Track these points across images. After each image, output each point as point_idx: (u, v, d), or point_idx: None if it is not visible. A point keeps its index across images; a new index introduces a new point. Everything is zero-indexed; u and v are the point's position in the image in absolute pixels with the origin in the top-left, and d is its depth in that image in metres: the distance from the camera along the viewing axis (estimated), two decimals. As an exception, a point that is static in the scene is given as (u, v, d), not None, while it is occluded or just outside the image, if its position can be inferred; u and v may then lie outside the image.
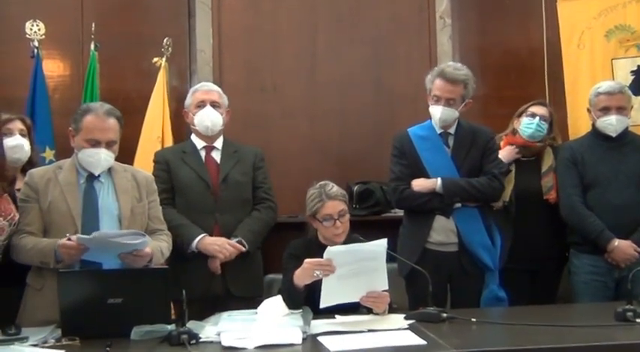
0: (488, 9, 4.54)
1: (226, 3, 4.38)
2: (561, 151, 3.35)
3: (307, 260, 2.46)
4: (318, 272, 2.42)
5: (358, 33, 4.44)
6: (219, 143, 3.26)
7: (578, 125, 3.84)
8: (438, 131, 3.14)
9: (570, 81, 4.03)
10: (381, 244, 2.45)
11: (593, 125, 3.33)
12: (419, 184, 3.07)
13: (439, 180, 3.03)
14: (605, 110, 3.22)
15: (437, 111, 3.07)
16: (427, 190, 3.04)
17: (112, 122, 2.59)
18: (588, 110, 3.33)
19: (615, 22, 3.97)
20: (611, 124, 3.20)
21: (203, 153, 3.23)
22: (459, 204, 3.04)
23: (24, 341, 2.20)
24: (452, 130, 3.14)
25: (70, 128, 2.63)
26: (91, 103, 2.89)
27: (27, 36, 3.87)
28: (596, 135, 3.30)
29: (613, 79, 3.81)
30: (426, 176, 3.07)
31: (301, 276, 2.49)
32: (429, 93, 3.12)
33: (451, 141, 3.13)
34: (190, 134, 3.31)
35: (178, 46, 4.22)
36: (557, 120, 3.53)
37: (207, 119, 3.18)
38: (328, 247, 2.44)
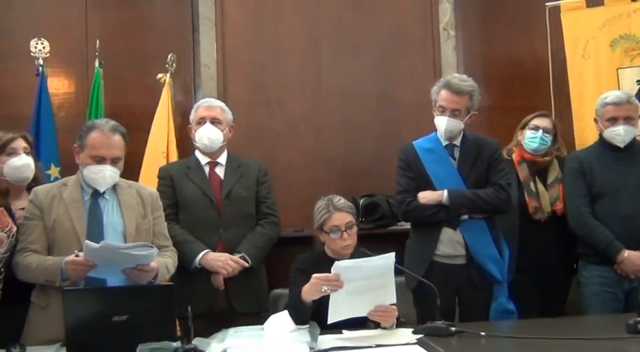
0: (492, 19, 4.55)
1: (230, 18, 4.39)
2: (569, 161, 3.33)
3: (315, 275, 2.43)
4: (326, 288, 2.39)
5: (362, 45, 4.45)
6: (222, 158, 3.26)
7: (585, 135, 3.82)
8: (444, 143, 3.13)
9: (576, 91, 4.02)
10: (389, 258, 2.43)
11: (601, 135, 3.31)
12: (425, 196, 3.05)
13: (445, 191, 3.01)
14: (613, 120, 3.20)
15: (442, 122, 3.07)
16: (434, 202, 3.02)
17: (117, 138, 2.59)
18: (595, 120, 3.31)
19: (620, 31, 3.97)
20: (619, 135, 3.18)
21: (207, 169, 3.23)
22: (465, 216, 3.02)
23: (29, 360, 2.19)
24: (457, 142, 3.13)
25: (75, 145, 2.63)
26: (96, 120, 2.89)
27: (32, 54, 3.89)
28: (604, 145, 3.28)
29: (619, 88, 3.79)
30: (433, 188, 3.06)
31: (309, 292, 2.46)
32: (435, 105, 3.12)
33: (457, 153, 3.12)
34: (195, 149, 3.31)
35: (182, 62, 4.24)
36: (560, 129, 3.52)
37: (205, 137, 3.18)
38: (336, 262, 2.41)
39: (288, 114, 4.37)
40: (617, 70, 3.95)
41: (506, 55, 4.52)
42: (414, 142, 3.19)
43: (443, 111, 3.07)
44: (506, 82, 4.48)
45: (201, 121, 3.23)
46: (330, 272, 2.40)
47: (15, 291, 2.49)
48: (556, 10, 4.16)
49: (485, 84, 4.47)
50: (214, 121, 3.22)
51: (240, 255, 3.06)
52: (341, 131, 4.38)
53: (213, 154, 3.24)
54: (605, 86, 3.82)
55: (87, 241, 2.36)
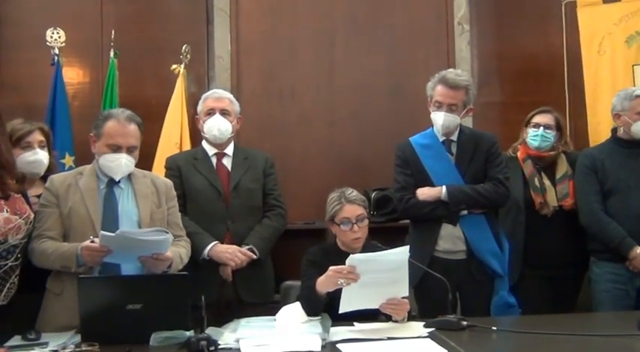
0: (507, 14, 4.52)
1: (244, 10, 4.40)
2: (581, 158, 3.31)
3: (332, 268, 2.43)
4: (342, 281, 2.38)
5: (376, 39, 4.44)
6: (229, 149, 3.26)
7: (599, 131, 3.80)
8: (441, 138, 3.12)
9: (591, 87, 4.00)
10: (404, 252, 2.42)
11: (614, 131, 3.29)
12: (424, 193, 3.05)
13: (444, 187, 3.01)
14: None
15: (439, 118, 3.06)
16: (432, 199, 3.02)
17: (133, 128, 2.62)
18: (617, 116, 3.23)
19: (636, 27, 3.95)
20: None
21: (214, 160, 3.23)
22: (465, 212, 3.02)
23: (44, 347, 2.21)
24: (454, 137, 3.12)
25: (92, 134, 2.65)
26: (112, 109, 2.91)
27: (47, 43, 3.92)
28: (617, 141, 3.26)
29: (634, 85, 3.77)
30: (431, 184, 3.06)
31: (325, 284, 2.47)
32: (431, 100, 3.12)
33: (454, 148, 3.12)
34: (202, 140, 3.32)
35: (197, 53, 4.25)
36: (574, 125, 3.49)
37: (215, 128, 3.19)
38: (351, 255, 2.41)
39: (301, 107, 4.37)
40: (632, 66, 3.92)
41: (520, 50, 4.49)
42: (410, 139, 3.18)
43: (439, 106, 3.06)
44: (521, 77, 4.46)
45: (210, 112, 3.23)
46: (341, 264, 2.40)
47: (30, 279, 2.51)
48: (572, 6, 4.14)
49: (499, 79, 4.48)
50: (223, 112, 3.22)
51: (248, 247, 3.07)
52: (354, 124, 4.39)
53: (220, 145, 3.24)
54: (620, 83, 3.80)
55: (102, 232, 2.38)
